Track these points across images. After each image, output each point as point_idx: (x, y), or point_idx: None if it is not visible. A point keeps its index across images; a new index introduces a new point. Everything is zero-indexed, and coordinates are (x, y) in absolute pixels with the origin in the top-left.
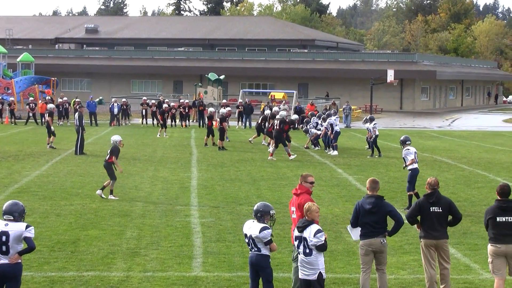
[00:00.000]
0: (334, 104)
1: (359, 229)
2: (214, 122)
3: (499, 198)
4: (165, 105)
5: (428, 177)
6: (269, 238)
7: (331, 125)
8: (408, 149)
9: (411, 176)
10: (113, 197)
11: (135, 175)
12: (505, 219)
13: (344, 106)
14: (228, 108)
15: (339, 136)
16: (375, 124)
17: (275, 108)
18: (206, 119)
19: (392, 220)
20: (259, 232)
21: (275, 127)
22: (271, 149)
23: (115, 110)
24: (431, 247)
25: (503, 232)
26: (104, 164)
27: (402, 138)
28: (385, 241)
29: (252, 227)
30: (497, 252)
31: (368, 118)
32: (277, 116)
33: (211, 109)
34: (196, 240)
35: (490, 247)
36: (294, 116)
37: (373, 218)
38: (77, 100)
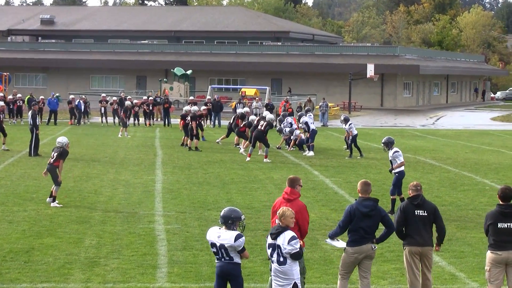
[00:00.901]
0: (310, 101)
1: (340, 241)
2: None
3: (500, 202)
4: (127, 102)
5: (411, 180)
6: (243, 245)
7: (306, 123)
8: (398, 151)
9: (396, 179)
10: (56, 205)
11: (95, 178)
12: (507, 225)
13: (320, 104)
14: (204, 107)
15: (315, 136)
16: (350, 124)
17: (245, 109)
18: (190, 119)
19: (384, 226)
20: (235, 241)
21: (260, 127)
22: (243, 150)
23: (82, 108)
24: (416, 255)
25: (504, 238)
26: (48, 168)
27: (385, 139)
28: (375, 247)
29: (223, 236)
30: (497, 259)
31: (342, 119)
32: (267, 118)
33: (195, 108)
34: (160, 248)
35: (489, 254)
36: (270, 116)
37: (368, 222)
38: (41, 97)
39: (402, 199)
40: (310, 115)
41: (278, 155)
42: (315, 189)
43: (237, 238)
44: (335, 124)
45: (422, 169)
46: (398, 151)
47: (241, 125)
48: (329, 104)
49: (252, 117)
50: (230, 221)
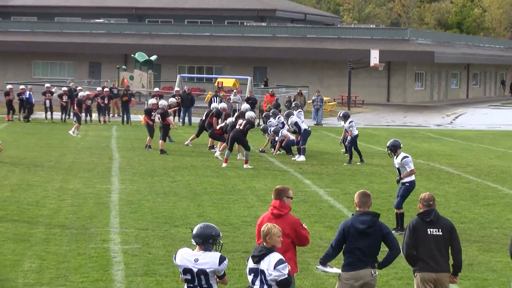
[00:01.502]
0: (301, 95)
1: (333, 267)
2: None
3: None
4: (81, 93)
5: (423, 191)
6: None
7: (296, 124)
8: (407, 157)
9: (406, 190)
10: None
11: (37, 187)
12: None
13: (314, 98)
14: (173, 100)
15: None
16: (351, 122)
17: (222, 105)
18: (160, 117)
19: (386, 246)
20: (219, 264)
21: (239, 127)
22: (218, 153)
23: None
24: (429, 282)
25: None
26: None
27: (390, 143)
28: (376, 272)
29: (203, 259)
30: None
31: (341, 115)
32: (247, 115)
33: (163, 103)
34: (116, 273)
35: None
36: (250, 114)
37: (366, 241)
38: None
39: (401, 215)
40: (300, 112)
41: (262, 160)
42: (306, 202)
43: (221, 260)
44: (331, 122)
45: (436, 178)
46: (408, 157)
47: (217, 127)
48: (324, 99)
49: (229, 120)
50: (211, 240)
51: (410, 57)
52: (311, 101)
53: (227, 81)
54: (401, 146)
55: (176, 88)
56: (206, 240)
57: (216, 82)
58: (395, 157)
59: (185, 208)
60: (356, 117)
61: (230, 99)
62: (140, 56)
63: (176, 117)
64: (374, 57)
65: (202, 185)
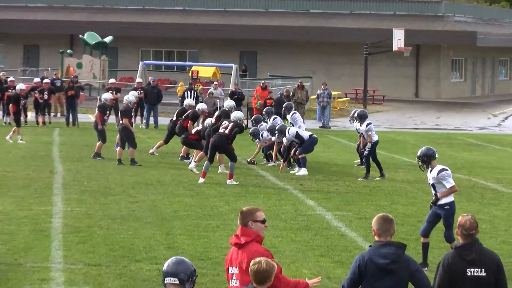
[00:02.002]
0: (302, 88)
1: None
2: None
3: None
4: (19, 86)
5: (462, 213)
6: None
7: (297, 135)
8: (446, 170)
9: (448, 215)
10: None
11: None
12: None
13: (319, 92)
14: (134, 93)
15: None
16: (369, 124)
17: (200, 106)
18: (120, 116)
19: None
20: None
21: (223, 131)
22: (193, 165)
23: None
24: None
25: None
26: None
27: (423, 151)
28: None
29: None
30: None
31: (356, 115)
32: (233, 116)
33: (130, 98)
34: None
35: None
36: (238, 114)
37: (389, 282)
38: None
39: (426, 245)
40: (295, 116)
41: (251, 174)
42: (309, 229)
43: None
44: (341, 124)
45: (480, 198)
46: (446, 170)
47: (193, 131)
48: (333, 93)
49: (208, 121)
50: (188, 279)
51: (445, 39)
52: (315, 96)
53: (205, 70)
54: (436, 156)
55: (138, 80)
56: (182, 281)
57: (191, 71)
58: (428, 170)
59: (149, 237)
60: (375, 117)
61: (212, 93)
62: (91, 37)
63: (138, 117)
64: (398, 39)
65: (172, 207)
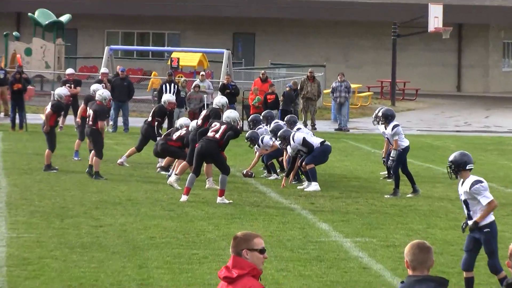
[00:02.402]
0: (313, 80)
1: None
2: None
3: None
4: None
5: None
6: None
7: (304, 141)
8: (481, 181)
9: (491, 238)
10: None
11: None
12: None
13: (334, 85)
14: (98, 87)
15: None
16: (396, 127)
17: (167, 98)
18: (91, 114)
19: None
20: None
21: (212, 134)
22: (174, 179)
23: None
24: None
25: None
26: None
27: (454, 157)
28: None
29: None
30: None
31: (380, 114)
32: (225, 116)
33: (106, 94)
34: None
35: None
36: (232, 114)
37: None
38: None
39: (470, 281)
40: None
41: (248, 190)
42: (322, 261)
43: None
44: (362, 125)
45: None
46: (481, 183)
47: (174, 136)
48: (352, 87)
49: (193, 124)
50: None
51: (495, 17)
52: (329, 90)
53: (189, 58)
54: (471, 165)
55: (103, 70)
56: None
57: (170, 58)
58: (460, 182)
59: (118, 271)
60: (406, 117)
61: (198, 87)
62: (43, 16)
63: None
64: (435, 17)
65: (146, 233)
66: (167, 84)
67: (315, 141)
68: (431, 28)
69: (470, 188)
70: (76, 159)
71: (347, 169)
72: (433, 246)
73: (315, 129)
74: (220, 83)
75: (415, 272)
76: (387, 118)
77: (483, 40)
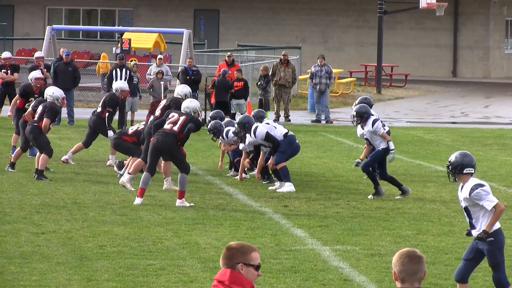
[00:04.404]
0: (286, 64)
1: None
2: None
3: None
4: None
5: None
6: None
7: (268, 136)
8: (482, 186)
9: (496, 250)
10: None
11: None
12: None
13: (313, 69)
14: (36, 74)
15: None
16: (376, 121)
17: (118, 85)
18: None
19: None
20: None
21: (169, 126)
22: (126, 179)
23: None
24: None
25: None
26: None
27: (454, 158)
28: None
29: None
30: None
31: (354, 113)
32: (185, 106)
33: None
34: None
35: None
36: (192, 104)
37: None
38: None
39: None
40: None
41: (211, 192)
42: (297, 272)
43: None
44: (344, 117)
45: None
46: (482, 186)
47: (129, 131)
48: (334, 71)
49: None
50: None
51: None
52: (306, 76)
53: (143, 39)
54: (469, 169)
55: (38, 53)
56: None
57: (120, 39)
58: (459, 186)
59: (63, 284)
60: (394, 106)
61: (162, 73)
62: None
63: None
64: None
65: (95, 241)
66: (118, 69)
67: (278, 133)
68: (423, 3)
69: (470, 194)
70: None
71: (326, 166)
72: (424, 255)
73: (289, 120)
74: (180, 67)
75: (404, 285)
76: (363, 116)
77: (483, 18)
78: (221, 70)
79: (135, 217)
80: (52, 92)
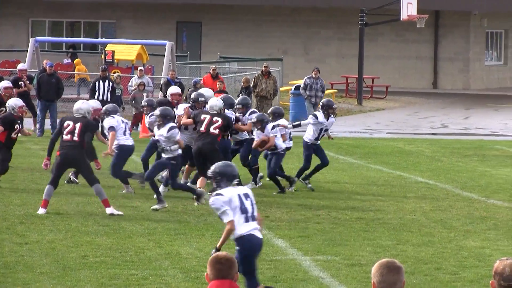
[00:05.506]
0: (268, 76)
1: None
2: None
3: None
4: None
5: (499, 257)
6: None
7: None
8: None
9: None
10: None
11: None
12: None
13: (308, 81)
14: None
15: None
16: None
17: (91, 104)
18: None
19: None
20: None
21: (70, 137)
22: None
23: None
24: None
25: None
26: None
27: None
28: None
29: None
30: None
31: (270, 111)
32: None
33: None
34: None
35: None
36: (84, 105)
37: None
38: None
39: None
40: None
41: (192, 202)
42: (278, 281)
43: None
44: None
45: None
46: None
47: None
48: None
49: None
50: None
51: (477, 3)
52: (302, 86)
53: (126, 51)
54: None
55: (21, 66)
56: None
57: (104, 52)
58: None
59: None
60: (374, 118)
61: (144, 85)
62: None
63: (31, 119)
64: (409, 3)
65: (78, 251)
66: (101, 81)
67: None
68: (403, 15)
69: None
70: None
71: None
72: (404, 265)
73: None
74: (163, 79)
75: None
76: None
77: (463, 30)
78: (193, 81)
79: (118, 227)
80: (9, 102)
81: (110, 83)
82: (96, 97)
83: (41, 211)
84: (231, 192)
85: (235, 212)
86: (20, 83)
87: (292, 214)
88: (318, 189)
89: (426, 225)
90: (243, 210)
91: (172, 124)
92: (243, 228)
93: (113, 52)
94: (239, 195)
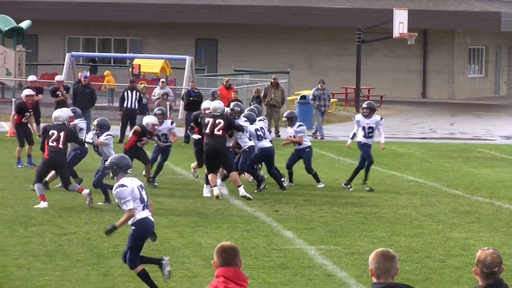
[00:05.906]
0: (276, 87)
1: None
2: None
3: None
4: None
5: (481, 247)
6: None
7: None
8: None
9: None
10: None
11: None
12: None
13: (316, 92)
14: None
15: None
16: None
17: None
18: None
19: None
20: None
21: (56, 145)
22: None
23: None
24: None
25: None
26: None
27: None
28: None
29: None
30: None
31: (285, 115)
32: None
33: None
34: None
35: None
36: (62, 113)
37: None
38: None
39: None
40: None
41: (211, 198)
42: (286, 268)
43: None
44: (327, 133)
45: (505, 227)
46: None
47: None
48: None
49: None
50: None
51: (460, 22)
52: (311, 99)
53: (151, 64)
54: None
55: (58, 77)
56: None
57: (132, 65)
58: None
59: (82, 279)
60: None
61: (166, 95)
62: (3, 22)
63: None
64: (401, 22)
65: (110, 241)
66: (129, 91)
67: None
68: (396, 33)
69: None
70: (19, 166)
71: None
72: (397, 254)
73: (279, 136)
74: (184, 89)
75: (379, 280)
76: (294, 120)
77: (449, 46)
78: (211, 91)
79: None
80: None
81: (137, 93)
82: (125, 105)
83: (43, 204)
84: (132, 184)
85: (136, 201)
86: (57, 92)
87: (298, 208)
88: (322, 188)
89: (417, 218)
90: (141, 200)
91: (108, 132)
92: (141, 214)
93: (140, 65)
94: (138, 187)
